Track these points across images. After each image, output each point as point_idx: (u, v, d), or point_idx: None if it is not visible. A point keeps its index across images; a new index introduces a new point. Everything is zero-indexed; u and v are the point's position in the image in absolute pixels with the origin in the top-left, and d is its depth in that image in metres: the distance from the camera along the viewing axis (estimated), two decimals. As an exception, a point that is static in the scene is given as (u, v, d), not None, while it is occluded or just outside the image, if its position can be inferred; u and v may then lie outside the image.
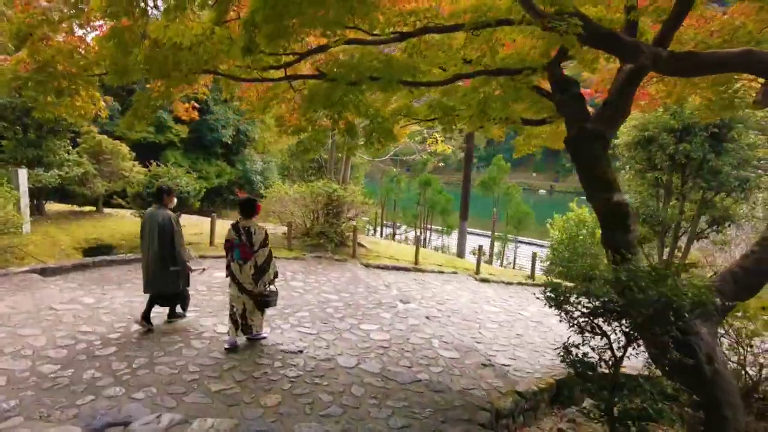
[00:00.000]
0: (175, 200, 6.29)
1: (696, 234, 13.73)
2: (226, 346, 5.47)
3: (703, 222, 13.66)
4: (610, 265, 4.70)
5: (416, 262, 12.00)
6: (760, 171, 12.50)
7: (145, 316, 5.82)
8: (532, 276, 12.59)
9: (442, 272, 11.73)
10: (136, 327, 5.94)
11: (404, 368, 5.65)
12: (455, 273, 11.86)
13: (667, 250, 13.99)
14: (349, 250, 11.95)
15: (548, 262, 17.82)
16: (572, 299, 3.94)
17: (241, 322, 5.52)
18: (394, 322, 7.30)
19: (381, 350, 6.16)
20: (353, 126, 5.74)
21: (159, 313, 6.26)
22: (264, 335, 5.89)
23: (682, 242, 14.10)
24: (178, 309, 6.29)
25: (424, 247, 21.02)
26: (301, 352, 5.71)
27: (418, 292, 9.56)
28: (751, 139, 12.26)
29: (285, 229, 12.95)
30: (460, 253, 15.38)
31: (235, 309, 5.53)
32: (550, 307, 4.04)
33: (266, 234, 5.51)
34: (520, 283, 12.09)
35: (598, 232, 17.24)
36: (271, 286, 5.66)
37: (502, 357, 6.85)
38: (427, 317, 7.99)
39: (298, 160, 17.24)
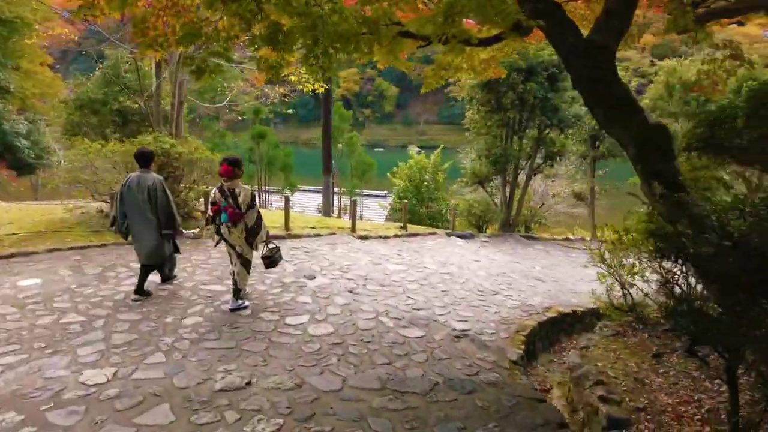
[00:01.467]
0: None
1: (534, 169, 14.89)
2: (229, 307, 5.47)
3: (540, 158, 14.87)
4: (655, 203, 4.00)
5: (287, 228, 10.15)
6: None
7: (140, 289, 5.63)
8: (405, 227, 11.97)
9: (319, 235, 10.19)
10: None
11: (392, 370, 4.23)
12: (334, 234, 10.44)
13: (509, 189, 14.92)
14: (198, 224, 9.43)
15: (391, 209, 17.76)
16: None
17: (233, 286, 5.52)
18: (321, 307, 5.75)
19: (339, 351, 4.57)
20: (278, 29, 3.75)
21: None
22: (246, 304, 5.59)
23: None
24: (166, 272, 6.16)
25: (265, 207, 19.01)
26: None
27: (315, 263, 7.93)
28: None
29: (103, 205, 9.57)
30: (326, 212, 13.88)
31: (233, 271, 5.52)
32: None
33: (252, 195, 5.45)
34: (396, 235, 11.34)
35: (440, 175, 17.94)
36: (270, 244, 5.64)
37: (453, 321, 5.93)
38: (350, 291, 6.57)
39: (94, 113, 13.03)
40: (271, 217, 11.17)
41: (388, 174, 18.49)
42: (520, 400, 4.03)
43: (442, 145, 18.44)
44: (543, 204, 17.41)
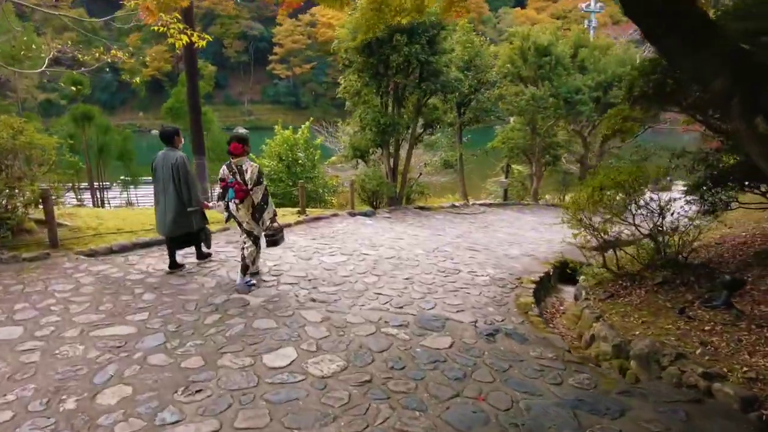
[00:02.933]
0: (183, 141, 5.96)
1: (415, 138, 14.36)
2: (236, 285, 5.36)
3: (419, 126, 14.37)
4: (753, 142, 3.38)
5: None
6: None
7: (173, 263, 5.85)
8: (303, 210, 10.33)
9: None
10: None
11: (487, 409, 2.97)
12: (227, 229, 8.36)
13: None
14: (37, 237, 6.58)
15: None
16: None
17: (241, 262, 5.40)
18: (297, 332, 4.21)
19: (376, 396, 3.16)
20: None
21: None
22: (253, 282, 5.49)
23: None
24: (204, 249, 6.33)
25: (102, 206, 14.83)
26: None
27: (230, 270, 6.02)
28: (454, 39, 13.17)
29: None
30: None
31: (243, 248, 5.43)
32: None
33: (260, 171, 5.23)
34: (299, 222, 9.68)
35: (311, 152, 16.36)
36: (275, 224, 5.35)
37: (454, 314, 4.89)
38: (312, 300, 5.02)
39: None
40: (134, 218, 8.50)
41: (251, 155, 16.19)
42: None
43: (311, 119, 16.81)
44: (421, 174, 17.21)
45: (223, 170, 5.29)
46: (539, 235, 11.07)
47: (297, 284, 5.60)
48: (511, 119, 20.93)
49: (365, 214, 11.16)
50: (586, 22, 23.09)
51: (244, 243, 5.37)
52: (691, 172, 6.14)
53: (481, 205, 15.12)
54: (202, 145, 9.97)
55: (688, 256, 5.75)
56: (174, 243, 5.86)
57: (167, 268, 5.82)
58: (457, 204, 14.90)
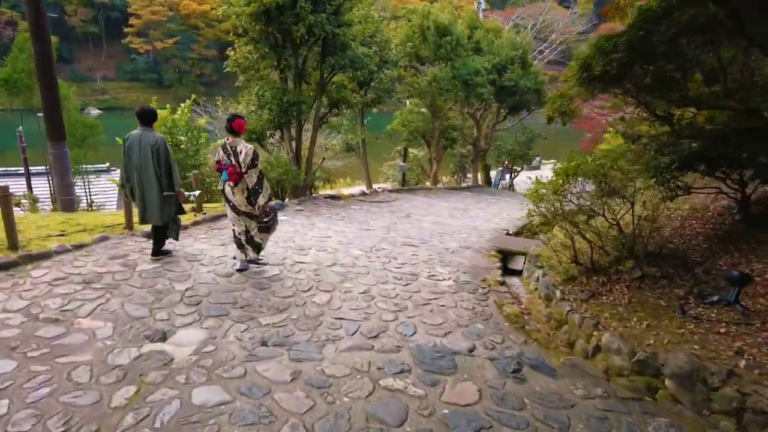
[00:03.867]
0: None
1: (320, 117, 13.01)
2: (237, 267, 5.32)
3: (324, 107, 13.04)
4: None
5: (13, 245, 5.59)
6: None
7: (158, 250, 5.60)
8: (200, 208, 8.51)
9: (84, 245, 6.02)
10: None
11: None
12: (106, 238, 6.40)
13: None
14: None
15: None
16: None
17: (249, 244, 5.33)
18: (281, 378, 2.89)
19: None
20: None
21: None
22: (260, 258, 5.59)
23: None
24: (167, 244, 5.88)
25: None
26: None
27: (140, 298, 4.37)
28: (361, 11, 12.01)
29: None
30: (68, 203, 8.12)
31: (236, 232, 5.34)
32: None
33: (255, 153, 5.07)
34: (196, 222, 7.92)
35: (196, 134, 14.04)
36: (268, 208, 5.29)
37: (434, 337, 3.91)
38: (268, 344, 3.69)
39: None
40: None
41: (117, 139, 13.39)
42: None
43: (193, 97, 14.38)
44: (324, 159, 15.87)
45: (219, 151, 5.19)
46: (461, 222, 10.60)
47: (227, 316, 4.17)
48: (408, 101, 20.49)
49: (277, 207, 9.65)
50: (476, 4, 23.49)
51: (244, 227, 5.28)
52: (656, 157, 5.84)
53: (390, 191, 14.35)
54: (62, 129, 7.55)
55: (662, 249, 5.46)
56: (157, 230, 5.59)
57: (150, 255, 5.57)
58: (366, 191, 13.94)
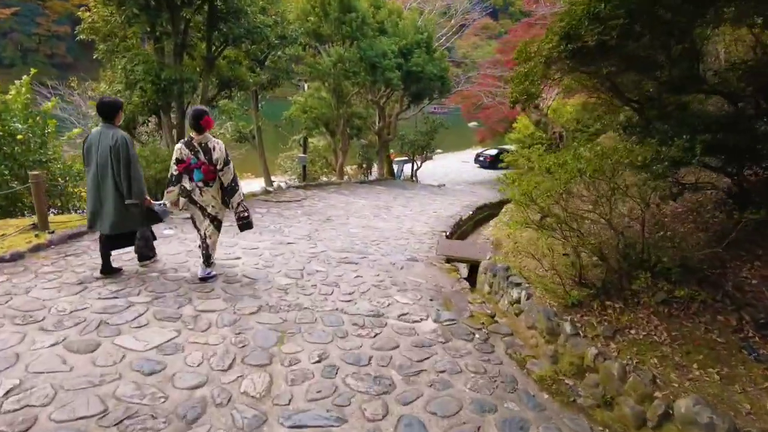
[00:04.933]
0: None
1: (208, 100, 10.63)
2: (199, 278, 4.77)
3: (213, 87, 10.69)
4: None
5: None
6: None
7: (107, 266, 4.74)
8: (44, 224, 5.98)
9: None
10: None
11: None
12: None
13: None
14: None
15: None
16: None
17: (204, 252, 4.82)
18: None
19: None
20: None
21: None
22: (214, 274, 4.88)
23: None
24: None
25: None
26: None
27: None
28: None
29: None
30: None
31: (204, 235, 4.82)
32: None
33: (226, 148, 4.70)
34: (36, 248, 5.46)
35: (37, 122, 10.77)
36: (241, 207, 4.82)
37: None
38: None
39: None
40: None
41: None
42: None
43: (32, 72, 10.92)
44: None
45: (181, 150, 4.63)
46: (391, 224, 9.16)
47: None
48: (306, 85, 18.52)
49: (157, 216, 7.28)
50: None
51: (206, 230, 4.79)
52: (658, 149, 4.85)
53: (298, 188, 12.42)
54: None
55: (680, 259, 4.47)
56: (111, 242, 4.77)
57: (98, 272, 4.67)
58: (269, 189, 11.86)
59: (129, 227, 4.78)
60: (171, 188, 4.73)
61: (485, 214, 13.66)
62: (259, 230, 7.31)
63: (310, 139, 18.82)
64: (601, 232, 4.70)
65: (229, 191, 4.72)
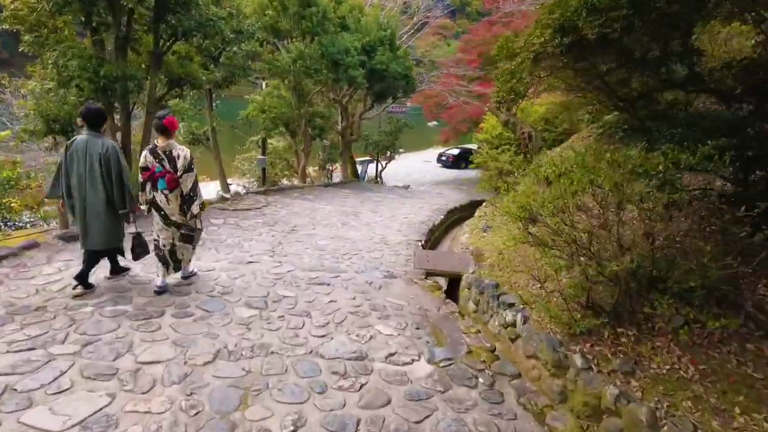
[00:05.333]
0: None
1: (156, 99, 9.63)
2: (155, 287, 4.54)
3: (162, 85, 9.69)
4: None
5: None
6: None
7: (84, 278, 4.42)
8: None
9: None
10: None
11: None
12: None
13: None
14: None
15: None
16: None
17: (171, 258, 4.67)
18: None
19: None
20: None
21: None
22: (195, 271, 5.09)
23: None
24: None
25: None
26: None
27: None
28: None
29: None
30: None
31: (161, 243, 4.63)
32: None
33: (191, 156, 4.57)
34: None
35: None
36: (197, 221, 4.73)
37: None
38: None
39: None
40: None
41: None
42: None
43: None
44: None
45: (146, 157, 4.48)
46: (361, 233, 8.50)
47: None
48: (264, 83, 17.58)
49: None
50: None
51: (174, 239, 4.63)
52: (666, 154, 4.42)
53: (257, 193, 11.54)
54: None
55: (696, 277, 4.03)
56: (94, 255, 4.52)
57: (75, 288, 4.35)
58: (226, 195, 10.95)
59: (120, 241, 4.67)
60: (141, 193, 4.61)
61: (456, 217, 13.25)
62: (215, 246, 6.50)
63: (269, 140, 17.87)
64: (605, 248, 4.22)
65: (187, 200, 4.55)
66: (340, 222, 9.26)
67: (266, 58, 14.11)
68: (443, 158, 29.47)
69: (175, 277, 4.87)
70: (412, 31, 24.17)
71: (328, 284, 5.28)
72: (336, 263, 6.28)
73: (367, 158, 22.39)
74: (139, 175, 4.57)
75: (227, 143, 19.37)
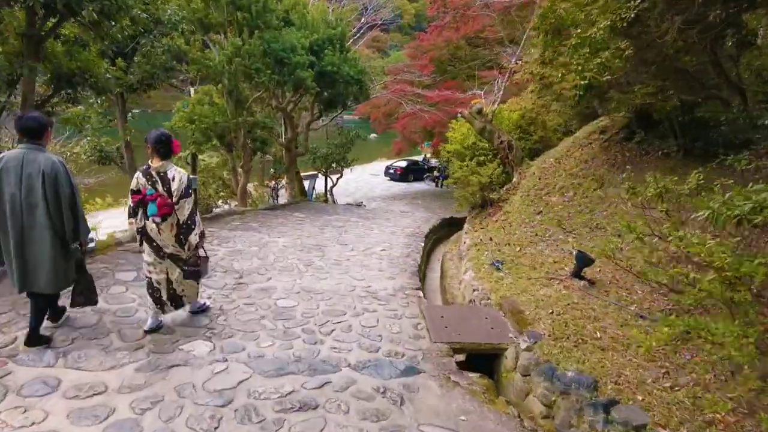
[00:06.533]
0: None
1: (37, 103, 6.96)
2: (146, 327, 4.06)
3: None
4: None
5: None
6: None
7: (35, 335, 3.63)
8: None
9: None
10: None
11: None
12: None
13: None
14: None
15: None
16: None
17: (168, 294, 4.16)
18: None
19: None
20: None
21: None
22: (207, 304, 4.68)
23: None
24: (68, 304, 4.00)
25: None
26: None
27: None
28: None
29: None
30: None
31: (154, 281, 4.10)
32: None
33: (189, 180, 4.02)
34: None
35: None
36: (200, 250, 4.14)
37: None
38: None
39: None
40: None
41: None
42: None
43: None
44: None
45: (138, 178, 4.00)
46: (335, 280, 6.29)
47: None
48: (192, 89, 14.94)
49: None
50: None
51: (165, 275, 4.11)
52: None
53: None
54: None
55: None
56: (42, 302, 3.71)
57: (22, 344, 3.60)
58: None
59: (70, 282, 3.83)
60: (131, 220, 4.05)
61: (434, 239, 11.32)
62: (119, 333, 4.05)
63: (200, 156, 15.10)
64: None
65: (184, 229, 3.98)
66: (303, 263, 6.97)
67: (195, 56, 11.54)
68: (391, 171, 28.26)
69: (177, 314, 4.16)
70: (357, 35, 22.24)
71: (314, 407, 3.04)
72: (314, 347, 4.04)
73: (312, 173, 20.14)
74: (129, 199, 4.03)
75: (140, 159, 16.35)
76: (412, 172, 28.04)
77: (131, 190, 4.02)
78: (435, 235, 11.68)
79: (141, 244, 4.07)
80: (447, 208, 18.57)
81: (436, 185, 25.97)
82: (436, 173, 26.60)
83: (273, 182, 16.55)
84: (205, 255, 4.28)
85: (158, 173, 3.91)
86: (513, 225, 8.23)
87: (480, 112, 11.70)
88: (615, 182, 7.50)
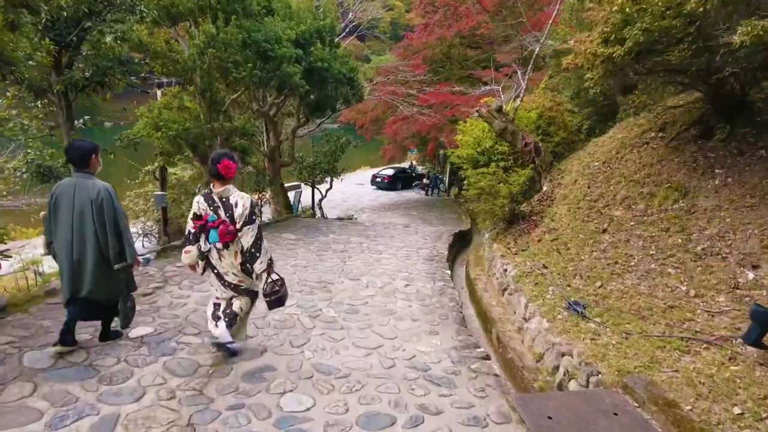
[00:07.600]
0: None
1: None
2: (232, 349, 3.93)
3: None
4: None
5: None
6: None
7: (68, 337, 3.73)
8: None
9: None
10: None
11: None
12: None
13: None
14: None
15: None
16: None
17: (224, 313, 3.86)
18: None
19: None
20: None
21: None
22: (233, 342, 3.97)
23: None
24: (115, 324, 4.05)
25: None
26: None
27: None
28: None
29: None
30: None
31: (220, 306, 3.91)
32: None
33: (253, 205, 3.77)
34: None
35: None
36: (273, 275, 3.78)
37: None
38: None
39: None
40: None
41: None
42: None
43: None
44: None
45: (200, 203, 3.78)
46: (364, 354, 4.40)
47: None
48: (159, 91, 12.86)
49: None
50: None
51: (236, 299, 3.88)
52: None
53: (147, 259, 6.97)
54: None
55: None
56: (80, 309, 3.75)
57: (55, 346, 3.70)
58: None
59: (112, 294, 3.81)
60: (189, 248, 3.81)
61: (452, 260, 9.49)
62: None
63: (170, 169, 13.02)
64: None
65: (249, 257, 3.67)
66: (306, 313, 5.06)
67: (160, 49, 9.55)
68: (378, 179, 26.63)
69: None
70: (343, 34, 20.49)
71: None
72: None
73: (295, 183, 18.21)
74: (190, 224, 3.79)
75: (114, 177, 14.17)
76: (400, 180, 26.62)
77: (193, 214, 3.80)
78: (453, 255, 9.91)
79: (204, 272, 3.88)
80: (445, 219, 16.89)
81: (426, 193, 24.55)
82: (425, 181, 25.20)
83: (257, 196, 14.53)
84: (279, 277, 3.83)
85: (221, 198, 3.69)
86: (570, 247, 6.47)
87: (500, 110, 9.98)
88: (706, 191, 5.82)
